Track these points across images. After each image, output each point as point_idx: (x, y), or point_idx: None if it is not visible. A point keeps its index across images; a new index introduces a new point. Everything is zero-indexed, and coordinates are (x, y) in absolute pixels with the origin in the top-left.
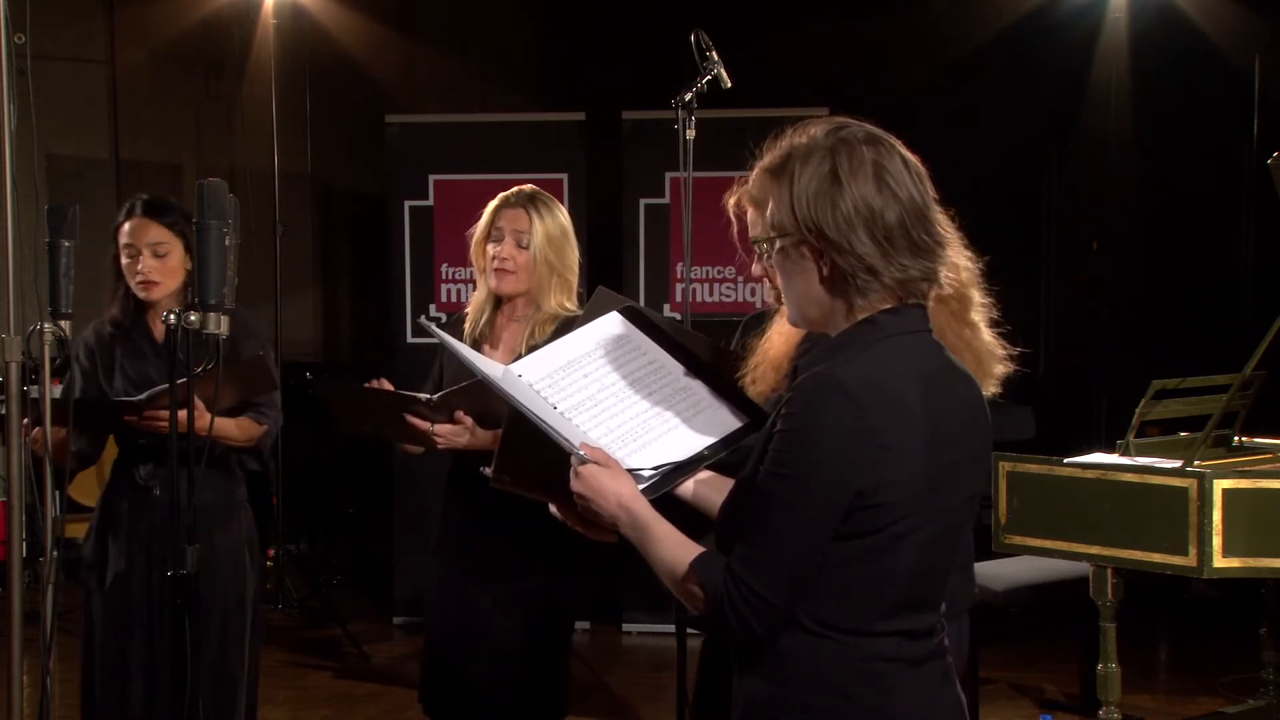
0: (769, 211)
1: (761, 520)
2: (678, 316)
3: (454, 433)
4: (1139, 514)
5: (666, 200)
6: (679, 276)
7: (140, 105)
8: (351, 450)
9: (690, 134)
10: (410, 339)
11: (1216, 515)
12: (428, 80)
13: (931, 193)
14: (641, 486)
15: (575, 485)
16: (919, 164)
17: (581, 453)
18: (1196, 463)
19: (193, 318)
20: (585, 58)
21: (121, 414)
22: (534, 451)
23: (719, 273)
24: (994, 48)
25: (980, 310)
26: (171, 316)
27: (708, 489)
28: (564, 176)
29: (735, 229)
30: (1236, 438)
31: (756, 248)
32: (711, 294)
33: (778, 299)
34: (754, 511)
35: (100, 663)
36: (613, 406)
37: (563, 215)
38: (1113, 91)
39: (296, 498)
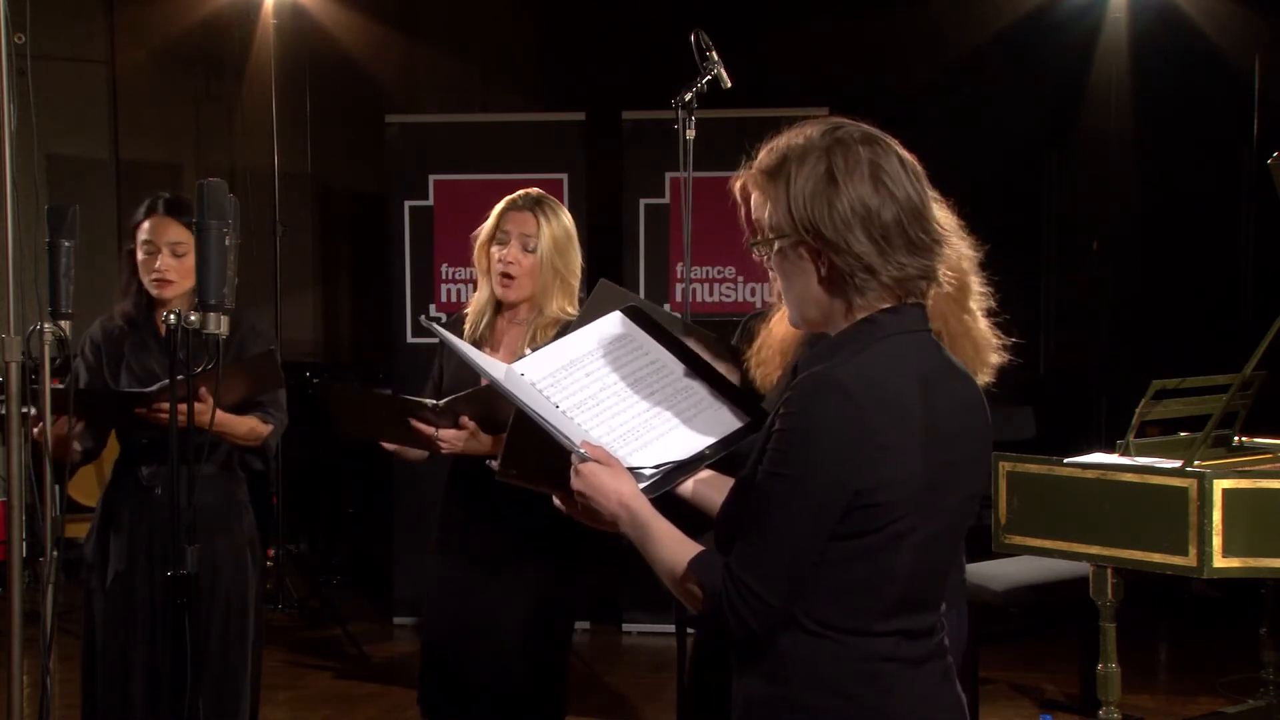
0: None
1: (760, 520)
2: (677, 316)
3: (458, 437)
4: (1139, 514)
5: (666, 200)
6: (679, 276)
7: (140, 105)
8: (351, 450)
9: (690, 134)
10: (410, 339)
11: (1216, 515)
12: (428, 80)
13: (929, 191)
14: (642, 485)
15: (576, 483)
16: (916, 163)
17: (582, 451)
18: (1196, 463)
19: (193, 317)
20: (585, 58)
21: (131, 406)
22: (539, 446)
23: (719, 273)
24: (994, 48)
25: (979, 298)
26: (172, 316)
27: (707, 488)
28: (564, 176)
29: (741, 212)
30: (1236, 438)
31: (755, 250)
32: (711, 294)
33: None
34: (752, 511)
35: (102, 663)
36: (614, 405)
37: (568, 219)
38: (1113, 91)
39: (296, 498)
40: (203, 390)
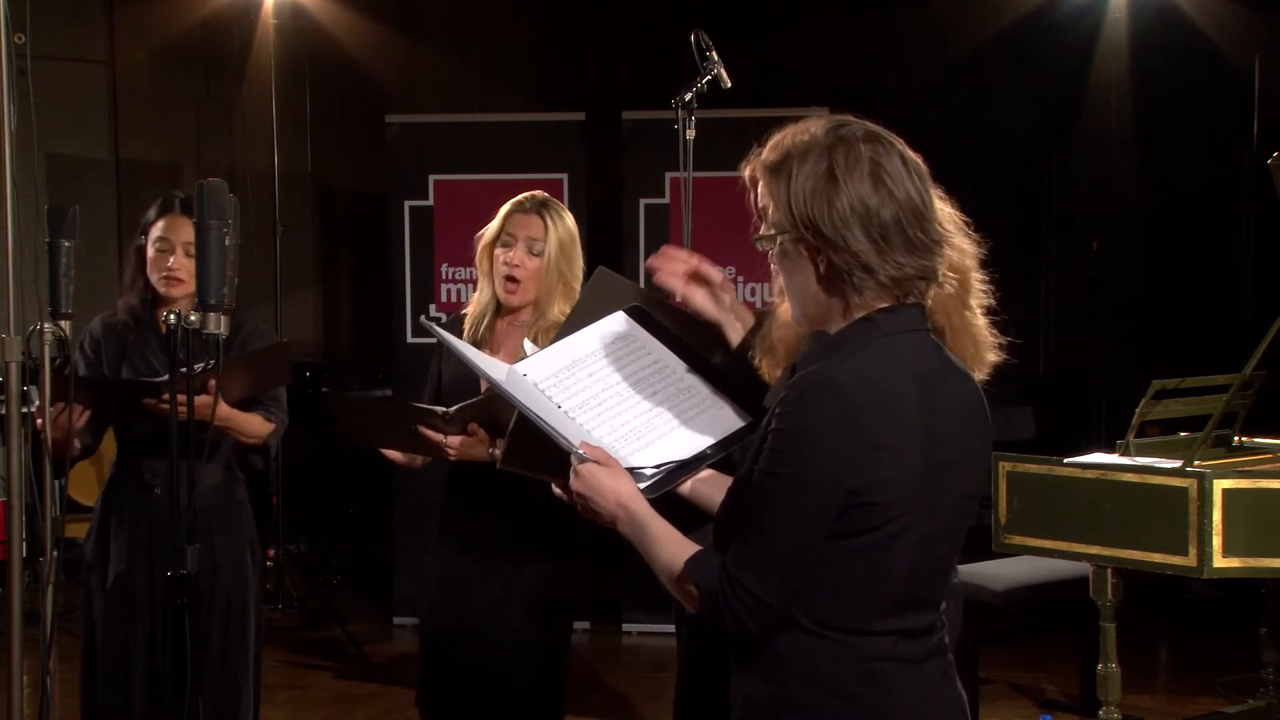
0: (770, 208)
1: (756, 520)
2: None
3: (467, 444)
4: (1139, 514)
5: (666, 200)
6: None
7: (140, 105)
8: (351, 450)
9: (690, 134)
10: (410, 339)
11: (1216, 515)
12: (428, 80)
13: (932, 191)
14: (643, 485)
15: (575, 484)
16: (920, 162)
17: (581, 452)
18: (1196, 463)
19: (193, 317)
20: (585, 58)
21: (140, 396)
22: (540, 439)
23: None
24: (994, 48)
25: (979, 295)
26: (172, 316)
27: (707, 486)
28: (564, 176)
29: (749, 198)
30: (1236, 438)
31: (758, 244)
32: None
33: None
34: (749, 511)
35: (102, 663)
36: (616, 405)
37: (572, 222)
38: (1113, 91)
39: (296, 498)
40: (211, 383)
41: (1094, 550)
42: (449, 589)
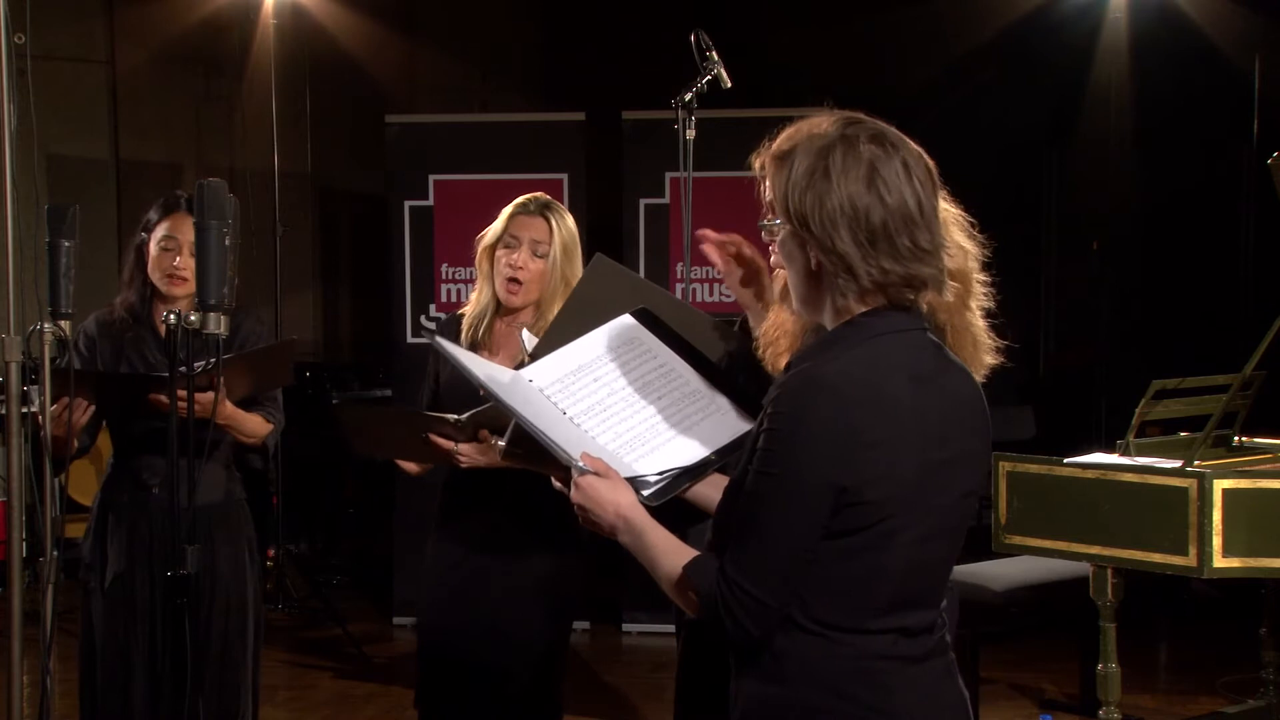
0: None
1: (750, 521)
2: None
3: (478, 451)
4: (1139, 514)
5: (666, 200)
6: (679, 276)
7: (140, 105)
8: (353, 453)
9: (690, 134)
10: (410, 339)
11: (1216, 515)
12: (428, 80)
13: (936, 198)
14: (646, 493)
15: (575, 496)
16: (928, 168)
17: (581, 464)
18: (1196, 463)
19: (193, 317)
20: (585, 58)
21: (146, 391)
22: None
23: (719, 273)
24: (994, 48)
25: (980, 297)
26: (172, 316)
27: (705, 485)
28: (564, 176)
29: (759, 187)
30: (1236, 438)
31: (763, 232)
32: (711, 294)
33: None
34: (743, 512)
35: (102, 664)
36: (622, 411)
37: (573, 223)
38: (1113, 91)
39: (296, 498)
40: (218, 382)
41: (1094, 550)
42: (449, 587)
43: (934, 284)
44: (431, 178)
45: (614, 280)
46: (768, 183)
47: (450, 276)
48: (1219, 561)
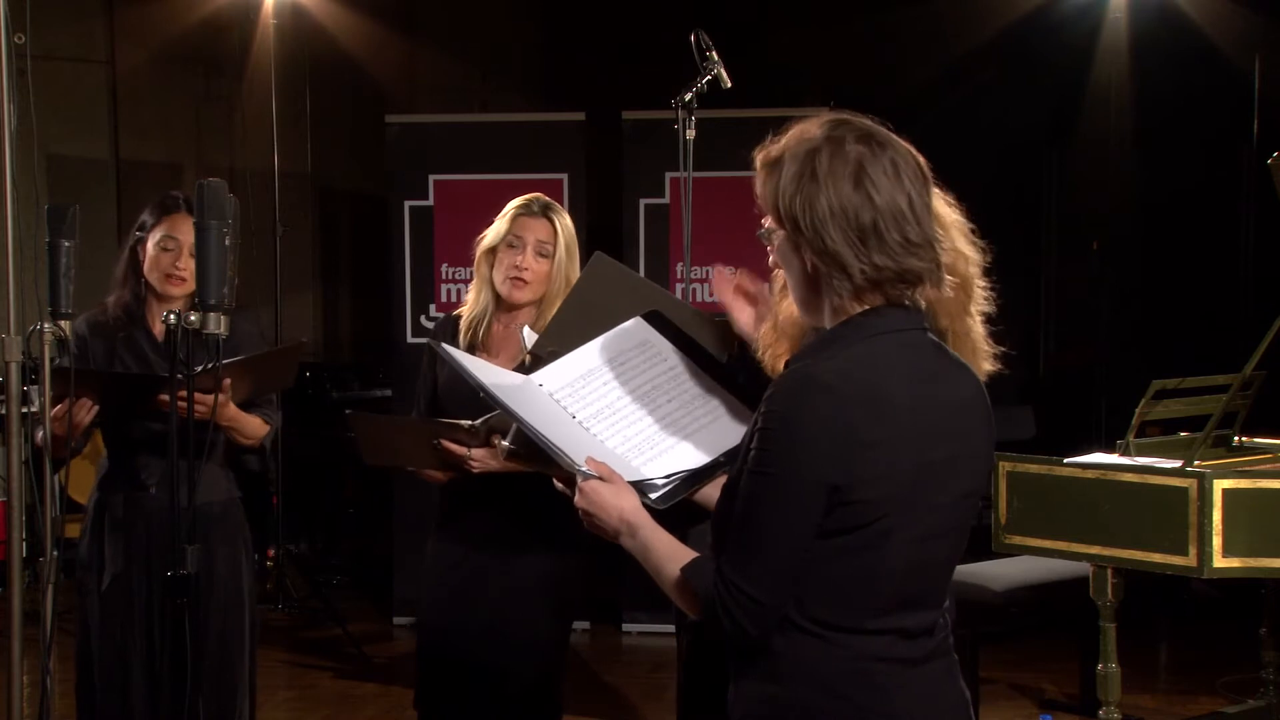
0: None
1: (746, 520)
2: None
3: (490, 455)
4: (1139, 514)
5: (666, 200)
6: (679, 276)
7: (140, 105)
8: (352, 450)
9: (690, 134)
10: (410, 339)
11: (1216, 515)
12: (428, 80)
13: (928, 194)
14: (654, 496)
15: (579, 500)
16: (919, 164)
17: (585, 469)
18: (1196, 463)
19: (193, 317)
20: (585, 58)
21: (154, 392)
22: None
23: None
24: (994, 48)
25: (980, 302)
26: (172, 317)
27: (711, 487)
28: (564, 176)
29: (756, 204)
30: (1236, 438)
31: (761, 238)
32: (711, 294)
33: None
34: (739, 512)
35: (100, 665)
36: (630, 415)
37: (571, 223)
38: (1113, 91)
39: (296, 498)
40: (226, 382)
41: (1094, 550)
42: (449, 587)
43: (929, 277)
44: (431, 178)
45: (614, 278)
46: (761, 190)
47: (450, 276)
48: (1219, 561)
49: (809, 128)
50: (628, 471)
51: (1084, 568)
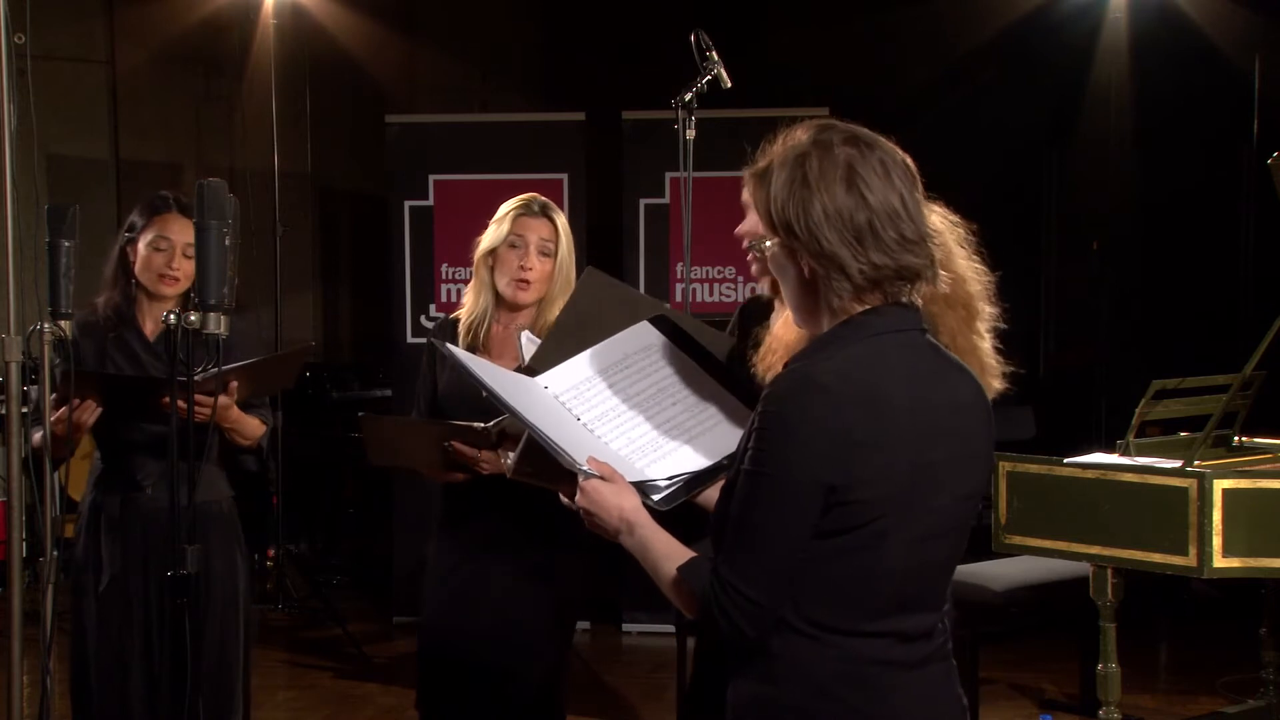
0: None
1: (742, 520)
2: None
3: (500, 458)
4: (1139, 514)
5: (666, 200)
6: (679, 276)
7: (140, 105)
8: (351, 450)
9: (690, 134)
10: (410, 339)
11: (1216, 515)
12: (428, 80)
13: (918, 192)
14: (656, 497)
15: (579, 500)
16: (905, 163)
17: (586, 468)
18: (1196, 463)
19: (193, 318)
20: (585, 58)
21: (158, 394)
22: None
23: (719, 273)
24: (994, 48)
25: (987, 322)
26: (172, 317)
27: (713, 490)
28: (564, 176)
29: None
30: (1236, 438)
31: (753, 250)
32: (711, 294)
33: (771, 291)
34: (735, 511)
35: (97, 666)
36: (635, 417)
37: (567, 222)
38: (1113, 91)
39: (296, 498)
40: (232, 385)
41: (1094, 550)
42: (450, 588)
43: (925, 274)
44: (431, 178)
45: (606, 292)
46: (752, 201)
47: (450, 276)
48: (1219, 561)
49: (795, 135)
50: (630, 473)
51: (1084, 568)
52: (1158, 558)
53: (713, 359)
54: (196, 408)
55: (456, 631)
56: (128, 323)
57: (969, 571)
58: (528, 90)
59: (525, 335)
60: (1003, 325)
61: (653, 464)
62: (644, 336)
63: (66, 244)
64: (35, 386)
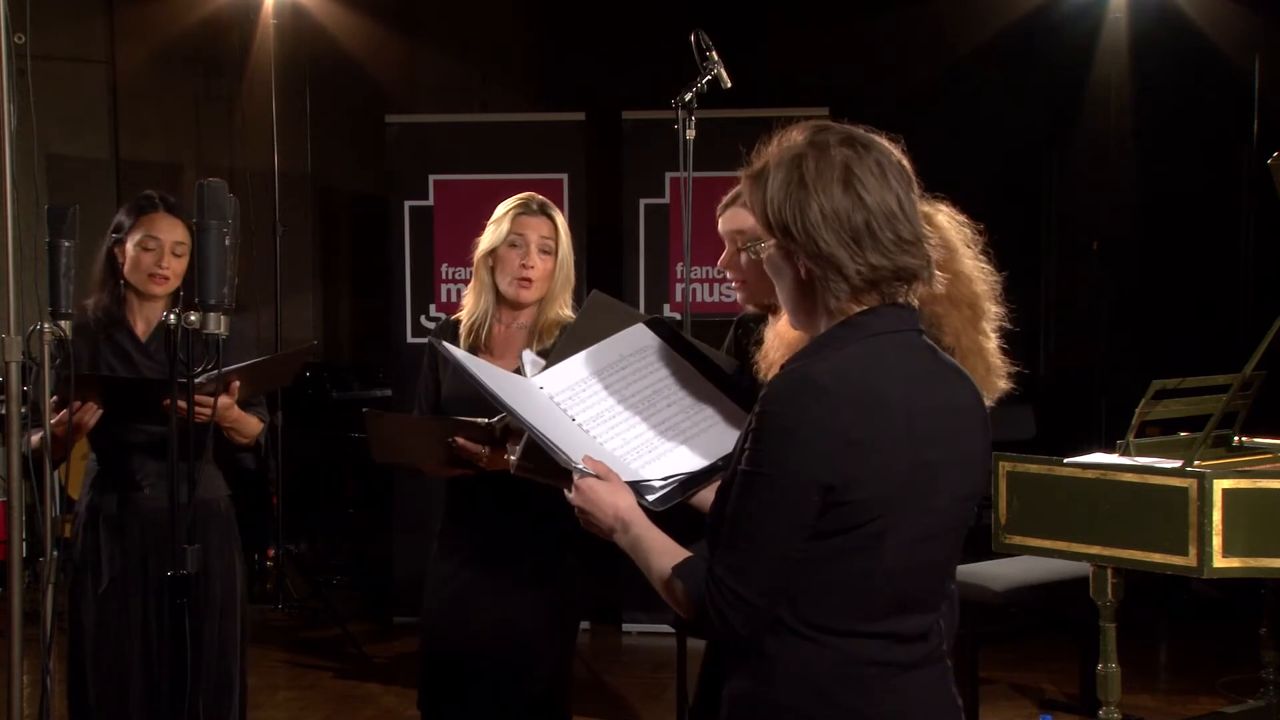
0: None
1: (738, 520)
2: (677, 316)
3: (503, 454)
4: (1139, 514)
5: (666, 200)
6: (679, 276)
7: (140, 105)
8: (352, 450)
9: (690, 134)
10: (410, 339)
11: (1216, 515)
12: (428, 80)
13: (913, 193)
14: (651, 498)
15: (574, 498)
16: (901, 163)
17: (581, 467)
18: (1196, 463)
19: (193, 318)
20: (585, 58)
21: (160, 396)
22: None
23: (719, 273)
24: (994, 48)
25: (993, 322)
26: (171, 317)
27: (709, 492)
28: (564, 176)
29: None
30: (1236, 438)
31: (750, 253)
32: (711, 294)
33: (746, 299)
34: (731, 511)
35: (96, 666)
36: (630, 419)
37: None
38: (1113, 91)
39: (296, 498)
40: (234, 385)
41: (1094, 550)
42: (453, 593)
43: (922, 275)
44: (431, 178)
45: (610, 315)
46: (748, 203)
47: (450, 276)
48: (1219, 561)
49: (790, 136)
50: (626, 473)
51: (1084, 568)
52: (1158, 558)
53: (708, 361)
54: (197, 408)
55: (458, 632)
56: (119, 323)
57: (969, 571)
58: (527, 90)
59: (528, 355)
60: (1008, 325)
61: (648, 465)
62: (640, 339)
63: (66, 244)
64: (35, 387)
